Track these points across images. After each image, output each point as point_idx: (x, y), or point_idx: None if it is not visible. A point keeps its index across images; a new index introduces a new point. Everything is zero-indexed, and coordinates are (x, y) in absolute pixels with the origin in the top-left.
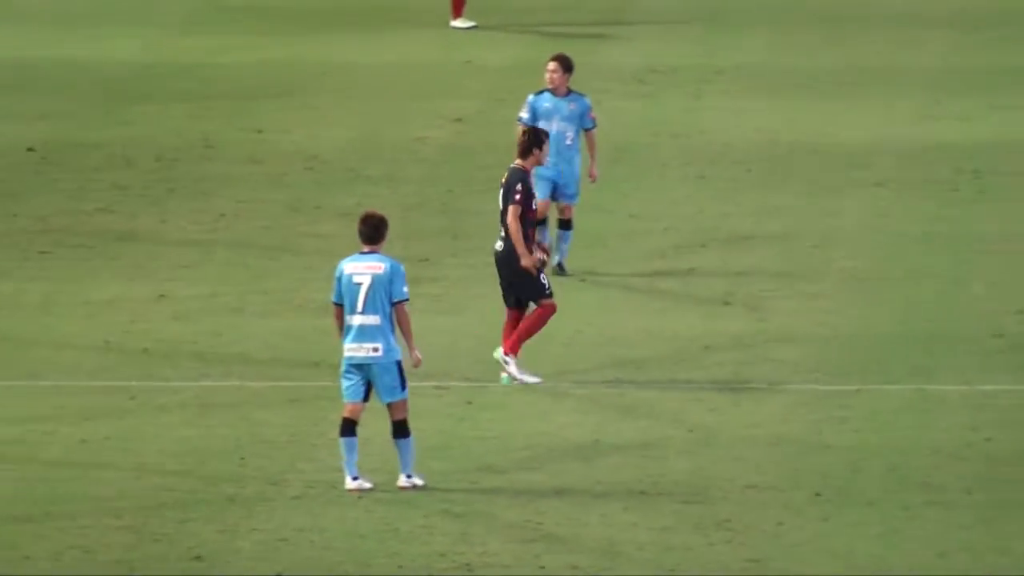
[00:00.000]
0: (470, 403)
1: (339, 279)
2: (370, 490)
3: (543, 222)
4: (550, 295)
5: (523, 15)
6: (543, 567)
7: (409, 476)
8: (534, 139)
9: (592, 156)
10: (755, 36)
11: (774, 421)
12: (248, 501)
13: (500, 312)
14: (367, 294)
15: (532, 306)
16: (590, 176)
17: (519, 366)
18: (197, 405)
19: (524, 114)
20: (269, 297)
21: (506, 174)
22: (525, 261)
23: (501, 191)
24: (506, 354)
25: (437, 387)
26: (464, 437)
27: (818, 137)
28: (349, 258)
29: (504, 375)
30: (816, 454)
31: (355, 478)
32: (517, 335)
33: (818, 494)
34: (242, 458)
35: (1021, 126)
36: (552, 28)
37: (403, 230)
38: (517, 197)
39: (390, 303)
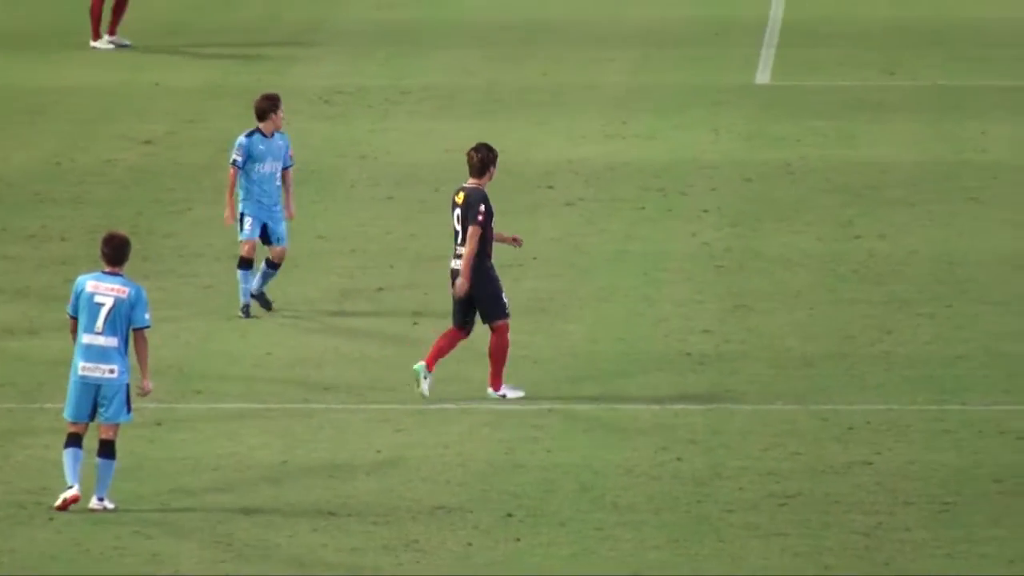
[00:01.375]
0: (160, 424)
1: (78, 295)
2: (113, 510)
3: (251, 263)
4: (508, 315)
5: (212, 36)
6: None
7: (101, 499)
8: (489, 156)
9: (289, 194)
10: (442, 57)
11: (464, 441)
12: None
13: (191, 332)
14: (107, 316)
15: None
16: (287, 214)
17: (507, 384)
18: None
19: (238, 157)
20: None
21: (461, 194)
22: (462, 289)
23: (458, 211)
24: (498, 390)
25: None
26: (155, 458)
27: (507, 156)
28: (91, 276)
29: (423, 387)
30: (507, 474)
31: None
32: (497, 369)
33: (509, 515)
34: None
35: (704, 144)
36: (241, 50)
37: (91, 252)
38: (480, 218)
39: (128, 328)
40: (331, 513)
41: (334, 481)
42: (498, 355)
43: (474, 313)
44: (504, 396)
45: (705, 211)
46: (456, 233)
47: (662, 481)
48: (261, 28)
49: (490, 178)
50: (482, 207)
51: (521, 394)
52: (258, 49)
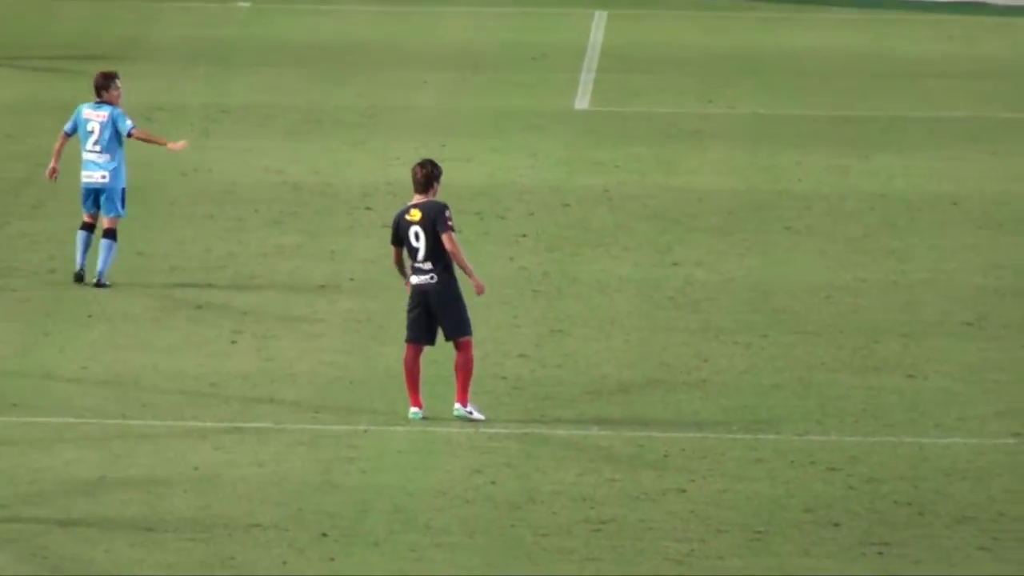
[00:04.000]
0: None
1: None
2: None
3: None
4: (471, 331)
5: (29, 50)
6: None
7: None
8: (435, 172)
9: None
10: (260, 76)
11: (279, 460)
12: None
13: (8, 346)
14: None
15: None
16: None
17: (473, 405)
18: None
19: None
20: None
21: (415, 212)
22: (480, 285)
23: (415, 228)
24: (466, 406)
25: None
26: None
27: (325, 177)
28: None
29: (467, 412)
30: (322, 494)
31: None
32: (465, 385)
33: (324, 534)
34: None
35: (522, 169)
36: (59, 63)
37: None
38: (451, 224)
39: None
40: (148, 529)
41: (151, 497)
42: (467, 371)
43: (435, 328)
44: (471, 413)
45: (523, 235)
46: (415, 251)
47: (476, 504)
48: (79, 43)
49: (434, 194)
50: (448, 212)
51: (483, 417)
52: (77, 64)
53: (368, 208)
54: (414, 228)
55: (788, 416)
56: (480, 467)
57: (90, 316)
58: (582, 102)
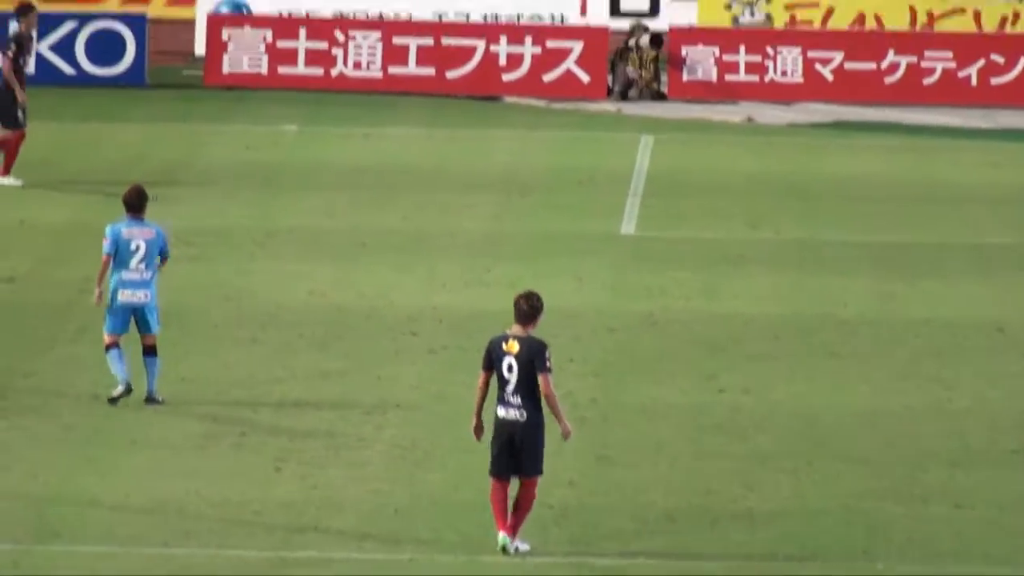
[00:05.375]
0: (16, 565)
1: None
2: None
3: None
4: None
5: (78, 174)
6: None
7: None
8: (539, 305)
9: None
10: (308, 199)
11: None
12: None
13: (51, 472)
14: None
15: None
16: None
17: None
18: None
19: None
20: None
21: (514, 342)
22: (568, 430)
23: (509, 359)
24: (512, 534)
25: None
26: None
27: (370, 301)
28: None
29: (521, 548)
30: None
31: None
32: (520, 521)
33: None
34: None
35: (568, 293)
36: (105, 188)
37: None
38: (549, 364)
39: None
40: None
41: None
42: (527, 508)
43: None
44: (517, 549)
45: (569, 360)
46: (505, 382)
47: None
48: (126, 168)
49: (534, 328)
50: (548, 353)
51: (528, 548)
52: (122, 188)
53: (413, 333)
54: (508, 359)
55: (834, 545)
56: None
57: (133, 442)
58: (628, 227)
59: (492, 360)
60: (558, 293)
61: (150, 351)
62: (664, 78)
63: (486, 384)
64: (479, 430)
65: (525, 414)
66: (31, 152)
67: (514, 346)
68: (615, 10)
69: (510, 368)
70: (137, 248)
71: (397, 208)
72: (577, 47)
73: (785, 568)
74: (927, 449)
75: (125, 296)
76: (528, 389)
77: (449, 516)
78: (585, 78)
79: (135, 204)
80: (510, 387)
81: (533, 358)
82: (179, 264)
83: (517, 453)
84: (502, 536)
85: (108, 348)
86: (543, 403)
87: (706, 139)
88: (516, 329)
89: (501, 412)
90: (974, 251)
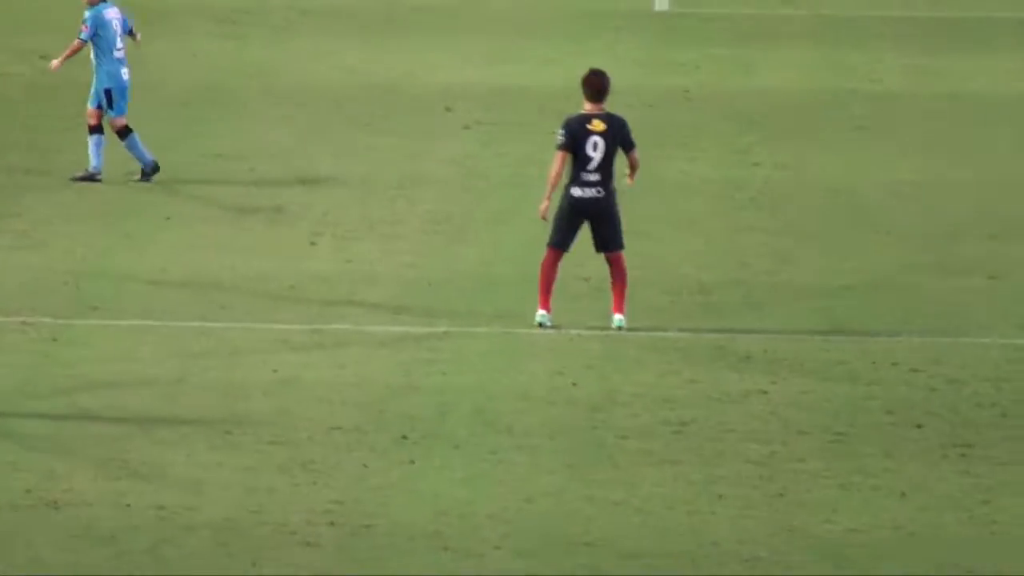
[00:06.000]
0: (55, 340)
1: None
2: None
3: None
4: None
5: None
6: (129, 505)
7: None
8: (610, 82)
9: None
10: None
11: (359, 363)
12: None
13: (88, 248)
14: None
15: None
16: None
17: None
18: None
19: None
20: None
21: (598, 122)
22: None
23: (595, 138)
24: (548, 310)
25: (23, 323)
26: (50, 374)
27: (405, 78)
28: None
29: (545, 323)
30: (403, 396)
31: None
32: (623, 295)
33: (405, 437)
34: None
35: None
36: None
37: None
38: (634, 140)
39: None
40: (227, 432)
41: (230, 400)
42: (624, 282)
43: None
44: (621, 326)
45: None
46: (588, 159)
47: (557, 406)
48: None
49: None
50: (629, 127)
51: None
52: None
53: (448, 109)
54: (594, 138)
55: (869, 317)
56: (561, 369)
57: (168, 218)
58: (662, 3)
59: (574, 140)
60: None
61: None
62: None
63: (561, 165)
64: (548, 210)
65: (603, 191)
66: None
67: (600, 125)
68: None
69: (595, 147)
70: (116, 30)
71: None
72: None
73: (820, 338)
74: (962, 222)
75: (127, 74)
76: (608, 166)
77: (483, 289)
78: None
79: None
80: (592, 165)
81: (621, 134)
82: (212, 41)
83: (600, 230)
84: (542, 314)
85: (128, 130)
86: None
87: None
88: (592, 107)
89: (577, 192)
90: (1009, 24)
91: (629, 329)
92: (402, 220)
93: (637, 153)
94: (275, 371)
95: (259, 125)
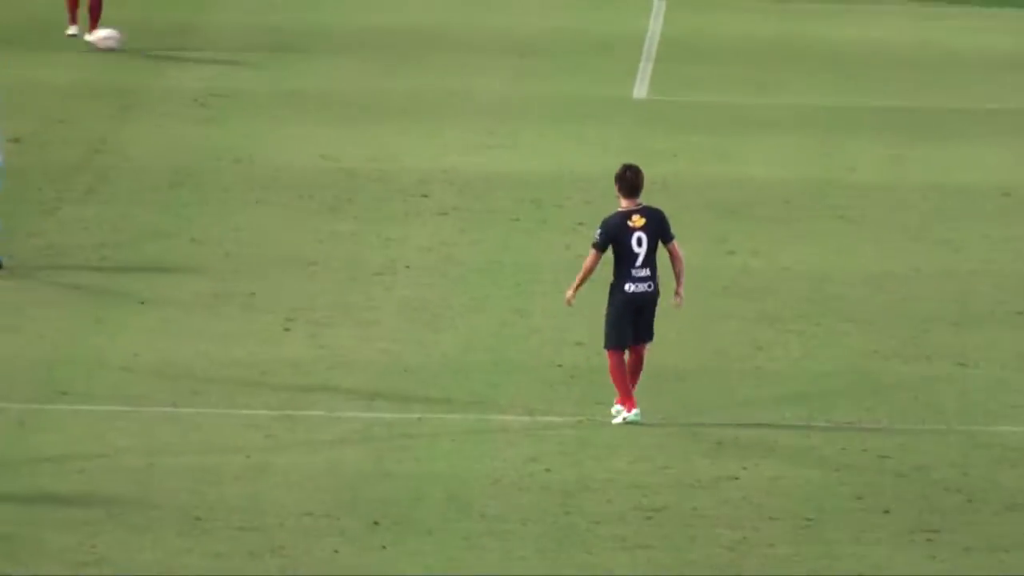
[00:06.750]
0: (23, 424)
1: None
2: None
3: None
4: None
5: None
6: None
7: None
8: (643, 176)
9: None
10: (318, 62)
11: (332, 449)
12: None
13: (58, 333)
14: None
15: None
16: None
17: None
18: None
19: None
20: None
21: (638, 217)
22: (682, 296)
23: (638, 234)
24: (634, 406)
25: None
26: (17, 459)
27: (381, 163)
28: None
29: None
30: (375, 482)
31: None
32: (634, 386)
33: (376, 523)
34: None
35: (580, 157)
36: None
37: None
38: (674, 233)
39: None
40: (197, 518)
41: (201, 485)
42: (639, 375)
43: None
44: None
45: (580, 224)
46: (634, 256)
47: (530, 492)
48: (135, 28)
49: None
50: (667, 219)
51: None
52: (131, 49)
53: (424, 196)
54: (638, 234)
55: (840, 404)
56: (535, 455)
57: (142, 303)
58: (640, 91)
59: (614, 239)
60: (569, 157)
61: None
62: None
63: (596, 263)
64: (573, 300)
65: (653, 286)
66: (36, 12)
67: (640, 220)
68: None
69: (639, 242)
70: None
71: (407, 71)
72: None
73: (792, 425)
74: (933, 311)
75: None
76: (653, 259)
77: (459, 376)
78: None
79: None
80: (639, 260)
81: (661, 227)
82: (190, 126)
83: (640, 322)
84: (635, 413)
85: None
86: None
87: (719, 2)
88: (629, 204)
89: (631, 287)
90: (983, 116)
91: (604, 413)
92: (377, 306)
93: (677, 244)
94: (247, 457)
95: (234, 209)
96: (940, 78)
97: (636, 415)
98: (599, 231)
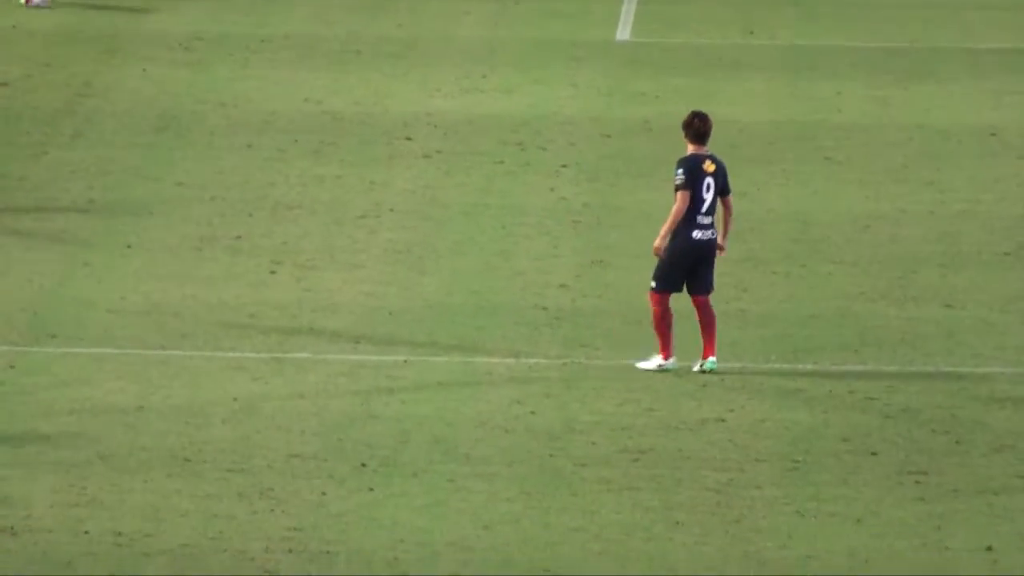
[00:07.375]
0: (13, 367)
1: None
2: None
3: None
4: None
5: None
6: (87, 532)
7: None
8: (711, 123)
9: None
10: (301, 6)
11: (318, 391)
12: None
13: (46, 276)
14: None
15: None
16: None
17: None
18: None
19: None
20: None
21: (710, 163)
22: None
23: (708, 180)
24: (670, 356)
25: None
26: (7, 401)
27: (365, 107)
28: None
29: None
30: (361, 425)
31: None
32: (713, 338)
33: (363, 464)
34: None
35: (563, 100)
36: None
37: None
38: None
39: None
40: (186, 459)
41: (189, 428)
42: (714, 324)
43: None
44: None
45: (564, 166)
46: (701, 201)
47: (516, 434)
48: None
49: None
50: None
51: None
52: None
53: (408, 138)
54: (708, 179)
55: (826, 346)
56: (520, 398)
57: (129, 247)
58: (623, 33)
59: (694, 179)
60: (553, 99)
61: None
62: None
63: (687, 204)
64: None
65: (715, 233)
66: None
67: (711, 166)
68: None
69: (707, 188)
70: None
71: (392, 14)
72: None
73: (778, 367)
74: (919, 252)
75: None
76: (715, 208)
77: (444, 319)
78: None
79: None
80: (705, 207)
81: (725, 178)
82: (175, 69)
83: (701, 272)
84: (672, 361)
85: None
86: None
87: None
88: (699, 148)
89: (697, 234)
90: (968, 55)
91: (588, 355)
92: (362, 249)
93: (729, 197)
94: (235, 399)
95: (220, 154)
96: (927, 17)
97: (712, 362)
98: (679, 171)
